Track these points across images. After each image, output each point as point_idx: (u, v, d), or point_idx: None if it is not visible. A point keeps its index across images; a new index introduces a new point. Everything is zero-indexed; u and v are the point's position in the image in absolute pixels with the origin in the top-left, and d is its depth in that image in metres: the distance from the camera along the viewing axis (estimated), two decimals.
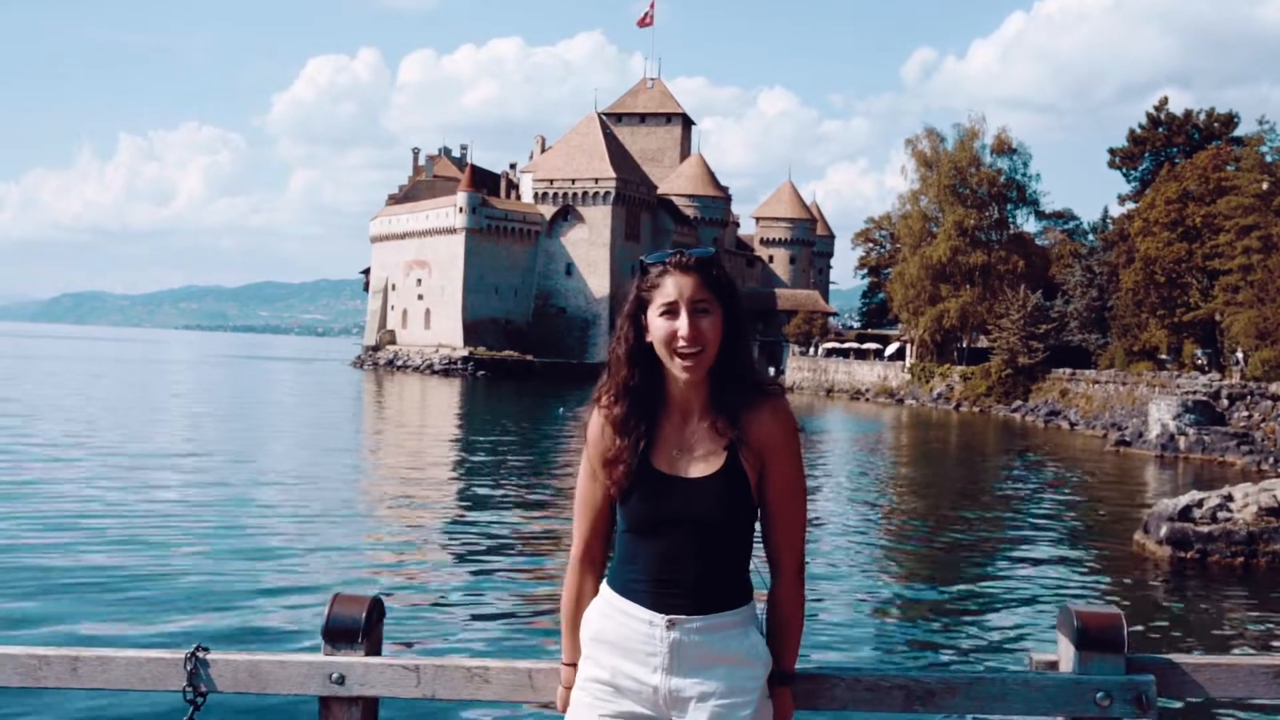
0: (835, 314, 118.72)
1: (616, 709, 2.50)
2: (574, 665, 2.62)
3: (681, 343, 2.43)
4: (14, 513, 17.31)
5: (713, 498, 2.45)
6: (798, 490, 2.52)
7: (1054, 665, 2.67)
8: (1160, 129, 73.70)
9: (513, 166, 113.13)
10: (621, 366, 2.54)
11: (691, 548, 2.47)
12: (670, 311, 2.45)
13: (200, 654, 2.65)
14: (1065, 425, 53.38)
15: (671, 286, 2.46)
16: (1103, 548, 18.89)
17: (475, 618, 12.24)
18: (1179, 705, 8.53)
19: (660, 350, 2.47)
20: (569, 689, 2.61)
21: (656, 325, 2.46)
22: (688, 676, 2.46)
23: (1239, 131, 69.04)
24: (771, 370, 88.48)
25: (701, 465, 2.48)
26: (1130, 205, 71.38)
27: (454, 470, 27.65)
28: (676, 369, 2.46)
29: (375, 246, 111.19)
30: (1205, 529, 16.67)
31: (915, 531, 20.61)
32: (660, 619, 2.47)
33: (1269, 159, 53.60)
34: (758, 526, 2.57)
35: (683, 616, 2.46)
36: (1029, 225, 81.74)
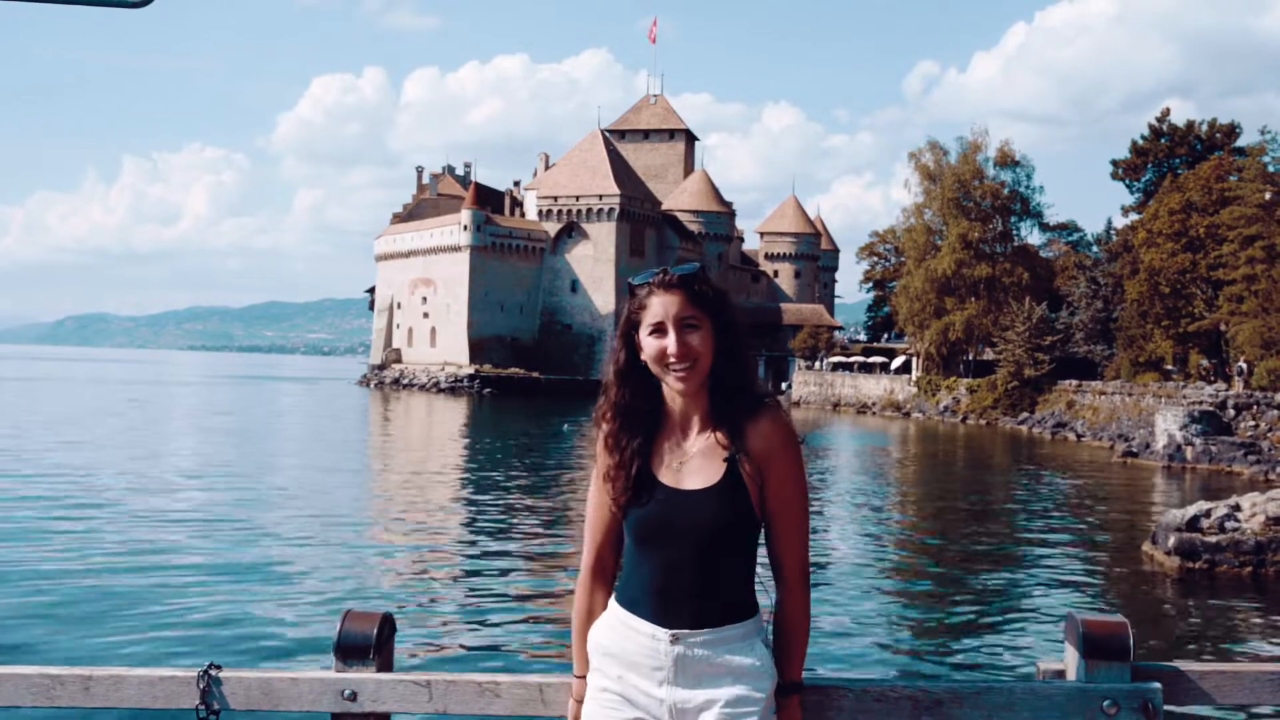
0: (841, 328, 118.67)
1: (627, 717, 2.53)
2: (584, 678, 2.65)
3: (672, 360, 2.49)
4: (26, 532, 17.35)
5: (712, 508, 2.48)
6: (799, 499, 2.53)
7: (1061, 674, 2.68)
8: (1163, 140, 73.73)
9: (517, 184, 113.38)
10: (613, 386, 2.62)
11: (692, 559, 2.49)
12: (659, 330, 2.51)
13: (213, 672, 2.66)
14: (1072, 437, 53.31)
15: (658, 306, 2.52)
16: (1111, 558, 18.86)
17: (486, 633, 12.25)
18: (1186, 713, 8.50)
19: (654, 368, 2.54)
20: (580, 702, 2.64)
21: (648, 344, 2.53)
22: (692, 689, 2.48)
23: (1241, 141, 69.02)
24: (785, 385, 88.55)
25: (700, 477, 2.51)
26: (1134, 216, 71.39)
27: (462, 487, 27.64)
28: (671, 383, 2.53)
29: (380, 265, 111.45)
30: (1213, 539, 16.64)
31: (923, 543, 20.57)
32: (664, 633, 2.49)
33: (1271, 169, 53.54)
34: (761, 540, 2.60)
35: (686, 631, 2.48)
36: (1033, 237, 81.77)
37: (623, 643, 2.54)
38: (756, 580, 2.58)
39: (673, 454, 2.56)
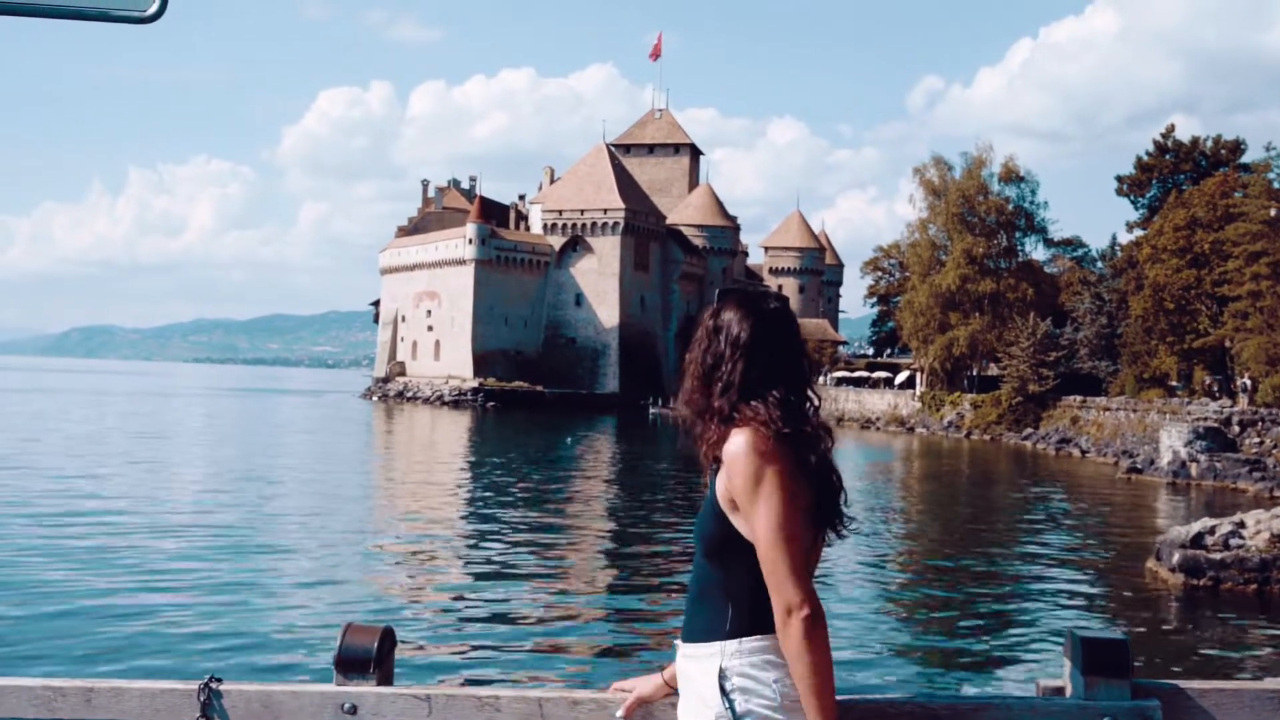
0: (845, 343, 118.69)
1: None
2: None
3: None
4: (30, 544, 17.37)
5: (698, 520, 2.50)
6: (759, 527, 2.34)
7: (1061, 691, 2.67)
8: (1168, 156, 73.75)
9: (522, 198, 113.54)
10: None
11: (692, 571, 2.56)
12: None
13: (214, 685, 2.66)
14: (1076, 453, 53.20)
15: None
16: (1114, 575, 18.80)
17: (486, 648, 12.24)
18: None
19: None
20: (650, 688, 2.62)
21: None
22: (681, 699, 2.50)
23: (1246, 158, 68.94)
24: None
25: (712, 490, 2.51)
26: (1139, 232, 71.43)
27: (465, 501, 27.63)
28: None
29: (385, 278, 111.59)
30: (1217, 556, 16.60)
31: (926, 559, 20.54)
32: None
33: (1276, 185, 53.57)
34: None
35: (679, 642, 2.52)
36: (1037, 253, 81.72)
37: None
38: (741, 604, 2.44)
39: None
